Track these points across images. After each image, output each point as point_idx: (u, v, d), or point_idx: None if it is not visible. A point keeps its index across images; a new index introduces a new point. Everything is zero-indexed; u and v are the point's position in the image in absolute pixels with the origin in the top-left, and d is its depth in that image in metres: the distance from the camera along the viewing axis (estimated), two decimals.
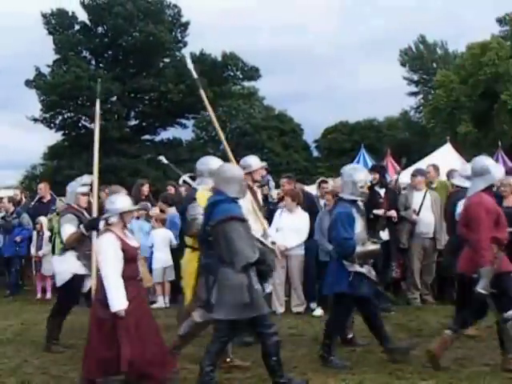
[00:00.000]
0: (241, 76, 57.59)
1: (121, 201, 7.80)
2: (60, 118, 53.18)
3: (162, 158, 12.76)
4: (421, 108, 62.28)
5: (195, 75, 10.17)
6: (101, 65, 54.84)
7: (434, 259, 12.73)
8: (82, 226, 9.36)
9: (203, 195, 8.01)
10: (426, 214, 12.58)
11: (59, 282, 9.56)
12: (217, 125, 9.94)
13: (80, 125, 53.96)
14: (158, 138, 57.42)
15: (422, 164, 17.17)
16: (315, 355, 8.52)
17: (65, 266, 9.43)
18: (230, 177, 7.48)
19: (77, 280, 9.40)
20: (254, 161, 9.39)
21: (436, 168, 13.77)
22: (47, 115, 52.58)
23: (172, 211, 13.82)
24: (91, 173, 9.78)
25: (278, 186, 16.25)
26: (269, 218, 12.45)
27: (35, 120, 52.71)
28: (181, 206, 8.72)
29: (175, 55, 55.39)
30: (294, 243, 11.96)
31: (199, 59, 55.31)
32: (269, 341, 7.26)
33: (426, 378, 7.46)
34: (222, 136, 9.95)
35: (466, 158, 24.90)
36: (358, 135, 56.63)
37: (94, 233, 9.22)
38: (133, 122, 56.88)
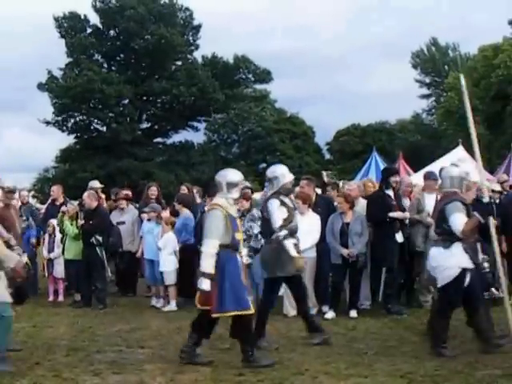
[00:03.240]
0: (252, 79, 57.77)
1: None
2: (72, 120, 53.45)
3: None
4: (433, 110, 62.22)
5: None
6: (113, 68, 55.09)
7: None
8: (476, 213, 8.71)
9: None
10: None
11: (446, 279, 8.72)
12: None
13: (92, 128, 54.22)
14: (169, 141, 57.75)
15: (433, 167, 17.08)
16: (327, 358, 8.50)
17: (453, 261, 8.66)
18: None
19: (463, 275, 8.65)
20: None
21: None
22: (59, 118, 52.85)
23: (186, 212, 13.82)
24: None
25: None
26: None
27: (47, 123, 53.02)
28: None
29: (187, 58, 55.55)
30: (306, 246, 11.91)
31: (211, 62, 55.51)
32: None
33: (438, 381, 7.42)
34: None
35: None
36: (369, 138, 56.61)
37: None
38: (145, 125, 57.13)
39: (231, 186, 8.57)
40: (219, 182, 8.67)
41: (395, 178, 12.65)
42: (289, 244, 9.32)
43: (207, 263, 8.22)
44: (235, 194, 8.62)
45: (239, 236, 8.65)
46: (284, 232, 9.31)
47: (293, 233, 9.50)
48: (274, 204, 9.45)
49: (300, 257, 9.40)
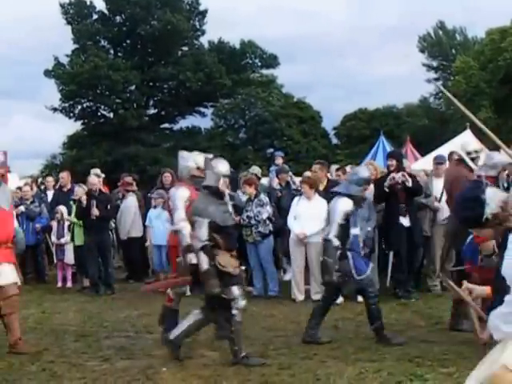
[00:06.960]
0: (259, 64, 57.65)
1: None
2: (79, 107, 53.44)
3: None
4: (440, 94, 61.91)
5: None
6: (119, 54, 54.97)
7: None
8: None
9: None
10: None
11: None
12: None
13: (99, 114, 54.17)
14: (176, 127, 57.67)
15: (442, 150, 17.03)
16: (335, 343, 8.50)
17: None
18: None
19: None
20: None
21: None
22: (66, 105, 52.83)
23: None
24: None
25: (297, 174, 16.21)
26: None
27: (54, 110, 52.99)
28: None
29: (193, 44, 55.43)
30: (313, 230, 11.91)
31: (218, 47, 55.37)
32: None
33: (446, 365, 7.41)
34: None
35: (486, 144, 24.71)
36: (377, 122, 56.29)
37: None
38: (152, 111, 57.04)
39: None
40: None
41: (391, 161, 12.54)
42: None
43: None
44: None
45: None
46: None
47: None
48: None
49: None
